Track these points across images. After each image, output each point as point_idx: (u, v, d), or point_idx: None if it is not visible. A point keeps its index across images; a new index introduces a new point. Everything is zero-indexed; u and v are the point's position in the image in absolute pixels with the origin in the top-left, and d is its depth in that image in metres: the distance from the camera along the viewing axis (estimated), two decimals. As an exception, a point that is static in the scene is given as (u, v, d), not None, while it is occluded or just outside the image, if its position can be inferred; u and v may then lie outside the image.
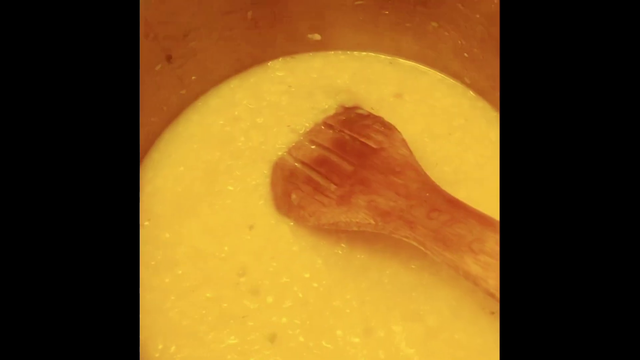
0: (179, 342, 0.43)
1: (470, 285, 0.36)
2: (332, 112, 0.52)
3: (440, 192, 0.41)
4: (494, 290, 0.34)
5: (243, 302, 0.44)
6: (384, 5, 0.52)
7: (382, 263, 0.45)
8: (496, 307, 0.38)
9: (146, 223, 0.48)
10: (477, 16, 0.48)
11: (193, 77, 0.53)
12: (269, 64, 0.57)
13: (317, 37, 0.56)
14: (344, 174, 0.45)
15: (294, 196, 0.46)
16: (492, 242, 0.36)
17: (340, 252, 0.46)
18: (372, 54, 0.57)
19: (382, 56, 0.57)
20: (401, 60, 0.57)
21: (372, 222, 0.41)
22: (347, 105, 0.53)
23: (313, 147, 0.49)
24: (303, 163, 0.48)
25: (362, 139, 0.47)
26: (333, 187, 0.45)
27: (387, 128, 0.48)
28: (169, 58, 0.49)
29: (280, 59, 0.57)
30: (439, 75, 0.56)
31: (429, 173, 0.44)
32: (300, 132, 0.52)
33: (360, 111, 0.51)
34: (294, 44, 0.56)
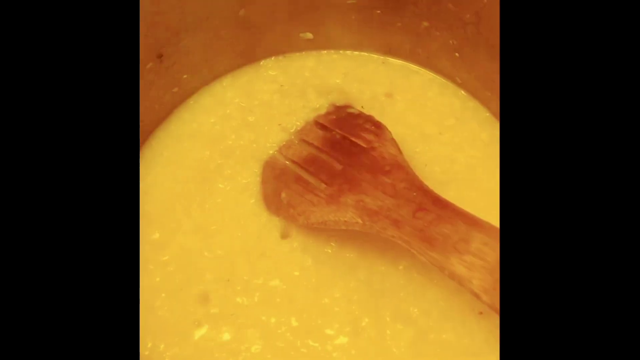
0: (168, 340, 0.43)
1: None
2: (323, 111, 0.52)
3: (427, 191, 0.41)
4: (478, 290, 0.34)
5: (233, 300, 0.44)
6: (376, 5, 0.52)
7: (371, 262, 0.45)
8: (485, 307, 0.38)
9: (137, 221, 0.48)
10: (468, 16, 0.48)
11: (185, 76, 0.53)
12: (261, 62, 0.57)
13: (309, 36, 0.56)
14: (333, 173, 0.45)
15: (283, 195, 0.46)
16: (478, 242, 0.36)
17: (329, 251, 0.46)
18: (365, 54, 0.57)
19: (375, 55, 0.57)
20: (392, 60, 0.57)
21: (360, 221, 0.41)
22: (338, 104, 0.53)
23: (303, 146, 0.49)
24: (293, 162, 0.48)
25: (352, 138, 0.47)
26: (323, 186, 0.45)
27: (378, 127, 0.48)
28: (160, 56, 0.49)
29: (272, 58, 0.57)
30: (430, 74, 0.56)
31: (419, 173, 0.44)
32: (291, 131, 0.52)
33: (351, 110, 0.51)
34: (286, 43, 0.56)
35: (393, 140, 0.46)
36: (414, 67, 0.56)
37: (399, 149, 0.45)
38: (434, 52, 0.53)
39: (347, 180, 0.44)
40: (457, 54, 0.52)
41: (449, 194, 0.41)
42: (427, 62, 0.55)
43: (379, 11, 0.53)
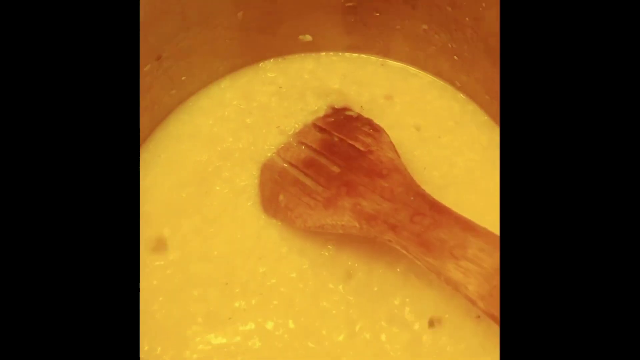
0: (165, 343, 0.43)
1: (454, 289, 0.36)
2: (322, 113, 0.52)
3: (424, 196, 0.41)
4: (474, 296, 0.34)
5: (230, 303, 0.44)
6: (375, 7, 0.52)
7: (368, 265, 0.45)
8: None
9: (134, 223, 0.48)
10: (467, 19, 0.48)
11: (183, 78, 0.53)
12: (260, 64, 0.57)
13: (308, 38, 0.56)
14: (331, 176, 0.45)
15: (281, 197, 0.46)
16: (474, 248, 0.36)
17: (327, 254, 0.46)
18: (364, 56, 0.57)
19: (374, 58, 0.57)
20: (391, 62, 0.57)
21: (357, 225, 0.41)
22: (337, 107, 0.53)
23: (301, 148, 0.49)
24: (291, 164, 0.48)
25: (350, 141, 0.47)
26: (320, 189, 0.45)
27: (376, 130, 0.48)
28: (158, 58, 0.49)
29: (271, 60, 0.57)
30: (429, 77, 0.56)
31: (418, 176, 0.44)
32: (290, 133, 0.52)
33: (349, 113, 0.51)
34: (285, 45, 0.56)
35: (391, 143, 0.46)
36: (413, 69, 0.56)
37: (396, 153, 0.45)
38: (433, 55, 0.53)
39: (344, 184, 0.44)
40: (456, 57, 0.52)
41: (447, 198, 0.41)
42: (426, 65, 0.55)
43: (377, 14, 0.53)
